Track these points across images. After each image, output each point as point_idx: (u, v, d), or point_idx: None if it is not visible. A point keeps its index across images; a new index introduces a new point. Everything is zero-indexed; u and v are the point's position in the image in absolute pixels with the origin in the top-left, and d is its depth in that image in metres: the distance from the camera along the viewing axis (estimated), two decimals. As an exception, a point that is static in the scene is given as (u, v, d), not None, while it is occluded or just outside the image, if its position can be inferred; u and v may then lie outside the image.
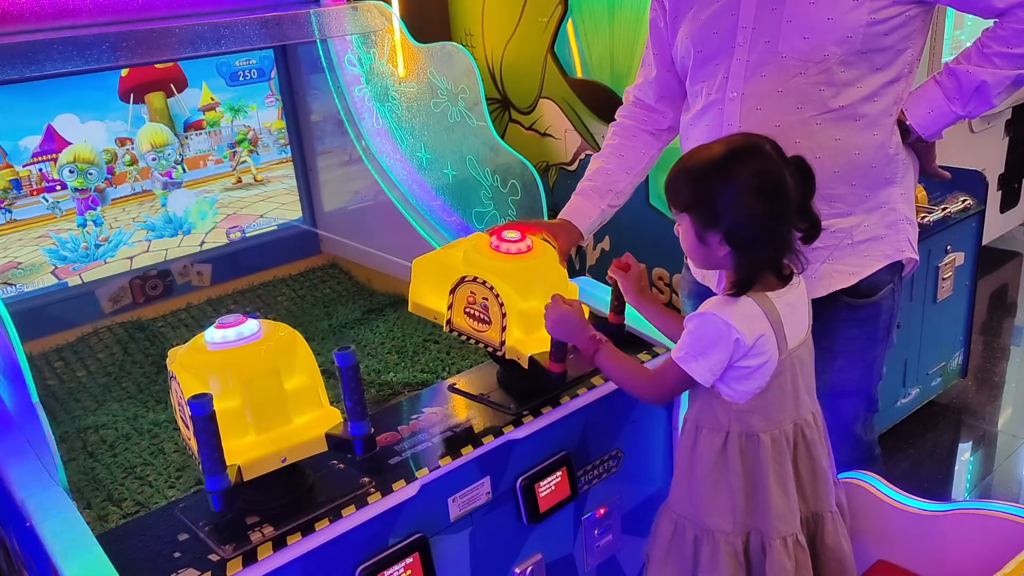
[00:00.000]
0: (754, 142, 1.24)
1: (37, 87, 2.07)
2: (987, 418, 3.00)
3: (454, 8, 3.08)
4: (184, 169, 2.39)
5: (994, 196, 3.98)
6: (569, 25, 2.77)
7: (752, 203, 1.19)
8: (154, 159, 2.32)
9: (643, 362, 1.61)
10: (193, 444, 1.17)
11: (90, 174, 2.21)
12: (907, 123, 1.46)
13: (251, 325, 1.28)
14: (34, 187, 2.13)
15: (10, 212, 2.12)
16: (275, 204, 2.59)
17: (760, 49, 1.43)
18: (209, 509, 1.20)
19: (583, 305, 1.41)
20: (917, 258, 1.56)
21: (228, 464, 1.14)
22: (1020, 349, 3.52)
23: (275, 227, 2.59)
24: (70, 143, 2.17)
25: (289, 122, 2.54)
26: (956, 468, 2.77)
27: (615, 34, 2.65)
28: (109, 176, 2.26)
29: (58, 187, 2.17)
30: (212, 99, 2.41)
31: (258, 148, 2.51)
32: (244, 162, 2.49)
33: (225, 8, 2.08)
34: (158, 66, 2.27)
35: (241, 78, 2.43)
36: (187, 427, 1.21)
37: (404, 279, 1.59)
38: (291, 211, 2.61)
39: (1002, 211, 4.15)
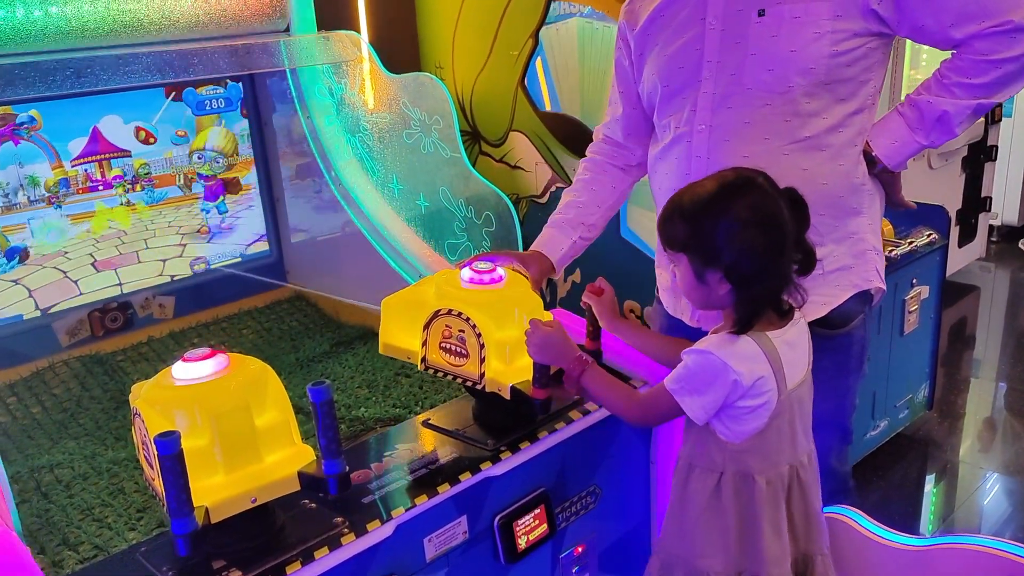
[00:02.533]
0: (747, 176, 1.23)
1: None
2: (952, 450, 3.03)
3: (424, 40, 3.08)
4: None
5: (952, 232, 4.07)
6: (538, 59, 2.78)
7: (751, 237, 1.17)
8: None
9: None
10: (158, 485, 1.12)
11: (217, 162, 2.34)
12: (872, 154, 1.48)
13: (220, 359, 1.23)
14: (80, 186, 2.21)
15: (60, 208, 2.20)
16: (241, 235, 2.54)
17: (725, 82, 1.44)
18: (173, 553, 1.14)
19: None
20: (884, 288, 1.57)
21: (195, 506, 1.09)
22: (979, 381, 3.57)
23: (239, 259, 2.54)
24: (115, 145, 2.24)
25: (257, 153, 2.50)
26: (924, 500, 2.79)
27: (585, 68, 2.66)
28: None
29: (100, 187, 2.25)
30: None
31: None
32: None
33: (193, 36, 2.05)
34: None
35: (208, 107, 2.39)
36: (151, 467, 1.16)
37: (373, 311, 1.56)
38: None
39: (960, 246, 4.24)
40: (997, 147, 4.29)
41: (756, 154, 1.42)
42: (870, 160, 1.49)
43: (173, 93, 2.29)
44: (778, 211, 1.20)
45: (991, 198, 4.38)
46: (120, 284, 2.30)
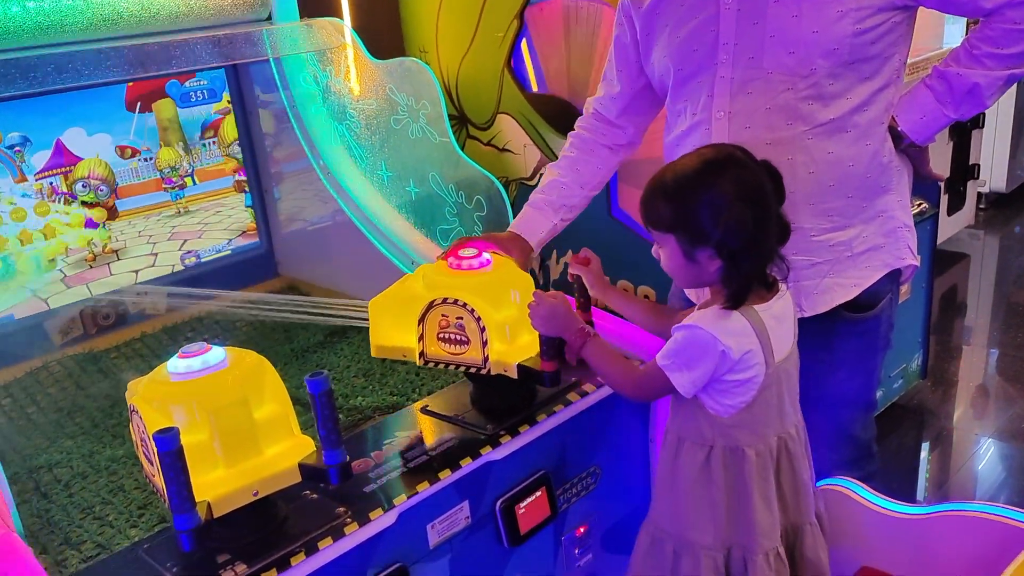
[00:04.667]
0: (727, 151, 1.22)
1: (45, 102, 2.08)
2: (947, 417, 3.05)
3: (407, 25, 3.05)
4: (195, 181, 2.42)
5: (941, 200, 4.07)
6: (524, 40, 2.76)
7: (740, 212, 1.16)
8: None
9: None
10: (159, 481, 1.12)
11: (101, 190, 2.24)
12: (899, 129, 1.44)
13: (216, 353, 1.22)
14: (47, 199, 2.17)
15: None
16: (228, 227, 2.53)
17: (744, 65, 1.39)
18: (176, 549, 1.14)
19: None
20: (917, 264, 1.54)
21: (197, 500, 1.09)
22: (971, 348, 3.60)
23: (230, 251, 2.52)
24: (79, 157, 2.19)
25: (243, 144, 2.48)
26: (921, 468, 2.81)
27: (571, 47, 2.64)
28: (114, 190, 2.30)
29: (66, 200, 2.20)
30: (228, 104, 2.44)
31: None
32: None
33: (173, 28, 2.02)
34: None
35: (192, 99, 2.36)
36: (151, 463, 1.16)
37: (367, 300, 1.55)
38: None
39: (949, 214, 4.25)
40: (984, 114, 4.29)
41: (780, 140, 1.38)
42: (896, 136, 1.44)
43: (139, 104, 2.26)
44: (761, 184, 1.20)
45: (979, 165, 4.39)
46: (92, 298, 2.26)
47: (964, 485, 2.67)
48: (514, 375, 1.39)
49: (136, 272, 2.34)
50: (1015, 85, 4.82)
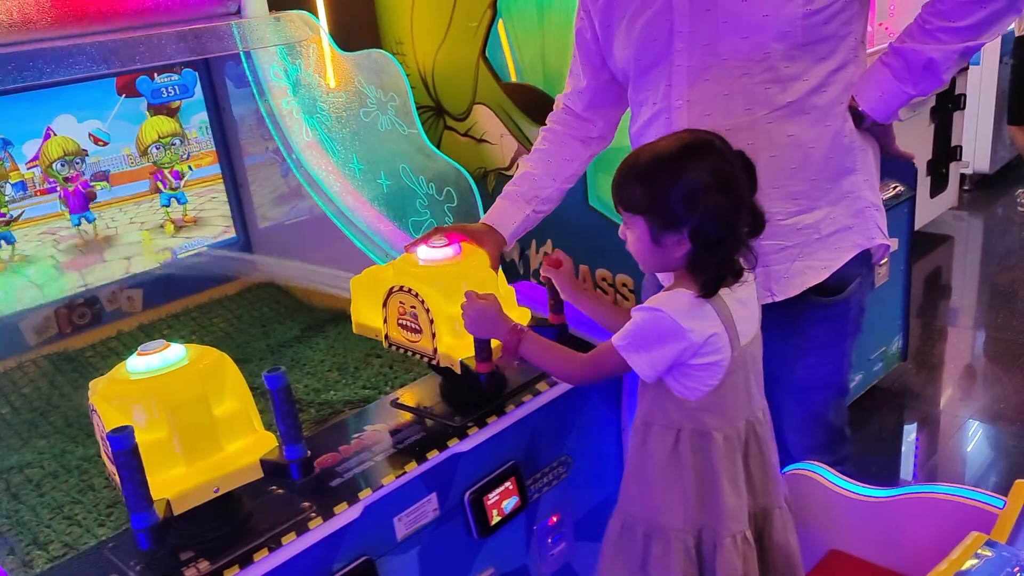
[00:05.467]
0: (704, 138, 1.21)
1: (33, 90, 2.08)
2: (929, 400, 3.06)
3: (382, 18, 3.04)
4: (191, 168, 2.41)
5: (924, 182, 4.08)
6: (500, 28, 2.75)
7: (716, 200, 1.15)
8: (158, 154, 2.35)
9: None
10: (117, 480, 1.11)
11: (77, 163, 2.23)
12: (859, 109, 1.43)
13: (176, 350, 1.22)
14: (38, 188, 2.18)
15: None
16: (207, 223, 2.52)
17: (700, 53, 1.39)
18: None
19: (500, 296, 1.38)
20: (888, 243, 1.53)
21: (157, 498, 1.08)
22: (956, 330, 3.60)
23: (206, 248, 2.52)
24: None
25: (217, 139, 2.47)
26: (903, 451, 2.82)
27: (546, 36, 2.63)
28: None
29: (58, 187, 2.21)
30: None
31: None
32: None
33: (140, 23, 2.01)
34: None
35: (164, 94, 2.35)
36: (111, 462, 1.15)
37: (343, 294, 1.55)
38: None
39: (932, 196, 4.25)
40: (965, 96, 4.29)
41: (739, 126, 1.37)
42: (857, 115, 1.44)
43: (125, 92, 2.25)
44: (735, 173, 1.19)
45: (961, 147, 4.39)
46: (85, 285, 2.27)
47: (949, 467, 2.68)
48: (459, 370, 1.39)
49: (128, 259, 2.35)
50: (997, 66, 4.82)
